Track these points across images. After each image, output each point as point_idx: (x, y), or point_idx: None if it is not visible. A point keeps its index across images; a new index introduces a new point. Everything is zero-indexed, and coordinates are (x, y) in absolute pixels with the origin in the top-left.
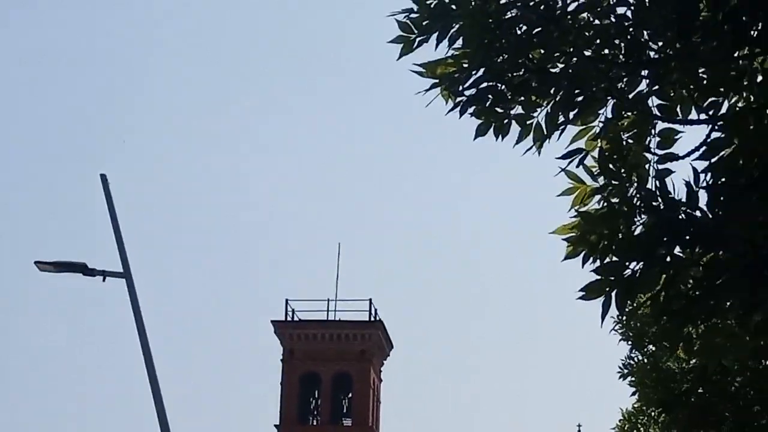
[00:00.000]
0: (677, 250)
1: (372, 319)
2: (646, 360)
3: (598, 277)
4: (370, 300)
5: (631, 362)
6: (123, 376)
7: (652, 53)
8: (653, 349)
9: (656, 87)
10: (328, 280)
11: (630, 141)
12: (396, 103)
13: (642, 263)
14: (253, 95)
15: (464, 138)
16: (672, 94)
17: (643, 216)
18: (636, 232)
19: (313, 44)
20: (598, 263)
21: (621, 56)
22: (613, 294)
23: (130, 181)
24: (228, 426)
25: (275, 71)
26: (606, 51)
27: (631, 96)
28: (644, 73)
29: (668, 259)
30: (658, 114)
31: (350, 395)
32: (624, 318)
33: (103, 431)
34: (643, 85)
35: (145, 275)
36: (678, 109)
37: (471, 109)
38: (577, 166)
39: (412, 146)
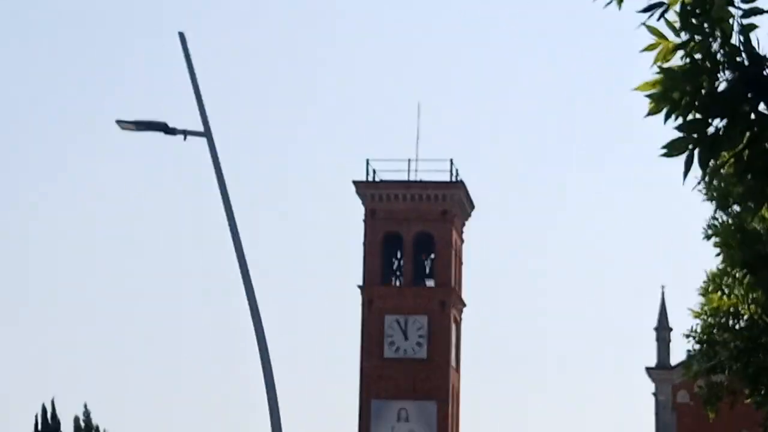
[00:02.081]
0: (762, 106)
1: (453, 179)
2: (730, 221)
3: (681, 134)
4: (451, 160)
5: (716, 223)
6: (204, 236)
7: None
8: (737, 209)
9: None
10: (409, 141)
11: None
12: None
13: (725, 120)
14: None
15: None
16: None
17: (726, 72)
18: (719, 89)
19: None
20: (680, 120)
21: None
22: (696, 151)
23: (210, 40)
24: (312, 286)
25: None
26: None
27: None
28: None
29: (752, 116)
30: None
31: (432, 256)
32: (707, 177)
33: (185, 293)
34: None
35: (225, 135)
36: None
37: None
38: (658, 20)
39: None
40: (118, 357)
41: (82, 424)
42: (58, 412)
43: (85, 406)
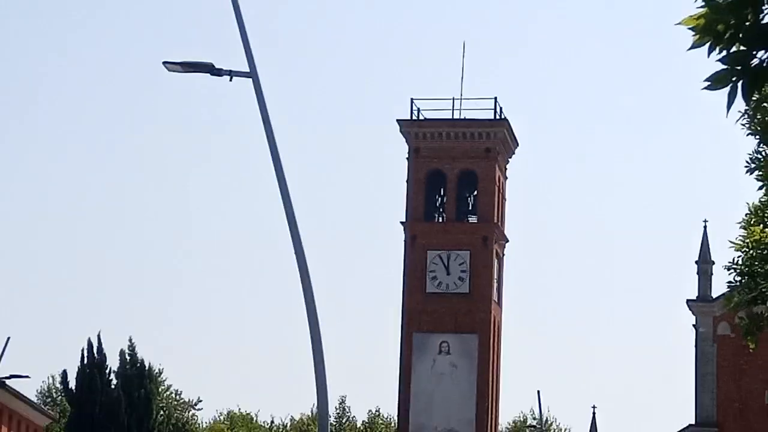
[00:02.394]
0: None
1: (497, 117)
2: None
3: (725, 67)
4: (495, 98)
5: (759, 156)
6: (250, 176)
7: None
8: None
9: None
10: (453, 79)
11: None
12: None
13: None
14: None
15: None
16: None
17: None
18: (764, 21)
19: None
20: (724, 54)
21: None
22: (740, 84)
23: None
24: (356, 222)
25: None
26: None
27: None
28: None
29: None
30: None
31: (475, 193)
32: (750, 110)
33: (231, 232)
34: None
35: (271, 75)
36: None
37: None
38: None
39: None
40: (162, 294)
41: (127, 358)
42: (104, 345)
43: (130, 339)
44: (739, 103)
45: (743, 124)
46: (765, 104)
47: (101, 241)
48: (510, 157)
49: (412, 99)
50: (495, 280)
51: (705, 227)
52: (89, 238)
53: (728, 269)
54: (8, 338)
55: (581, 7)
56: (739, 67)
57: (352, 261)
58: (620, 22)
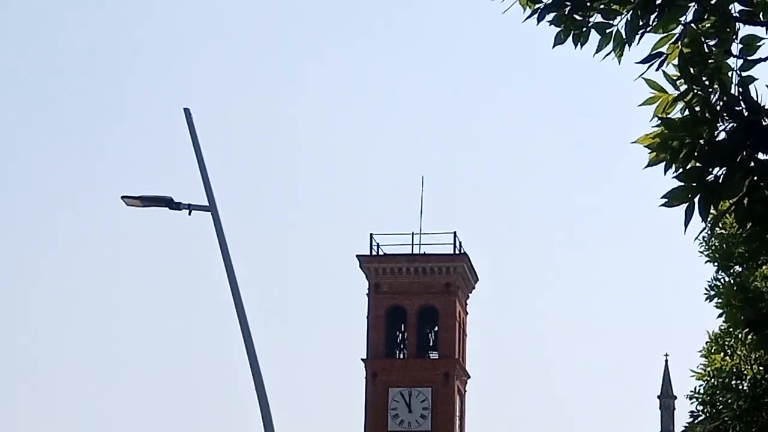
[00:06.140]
0: (761, 155)
1: (457, 252)
2: (732, 281)
3: (681, 184)
4: (455, 233)
5: (718, 284)
6: (209, 310)
7: None
8: (739, 269)
9: None
10: (412, 214)
11: (712, 48)
12: (471, 9)
13: (725, 168)
14: (328, 28)
15: (542, 47)
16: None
17: (725, 121)
18: (719, 138)
19: None
20: (680, 171)
21: None
22: (696, 200)
23: (214, 115)
24: (316, 360)
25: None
26: None
27: (713, 1)
28: None
29: (752, 164)
30: (740, 17)
31: (436, 328)
32: (708, 227)
33: (190, 368)
34: None
35: (230, 209)
36: (761, 15)
37: (549, 17)
38: (657, 70)
39: (489, 60)
40: None
41: None
42: None
43: None
44: (696, 221)
45: (701, 251)
46: (721, 231)
47: (57, 381)
48: (470, 292)
49: (371, 234)
50: (457, 418)
51: (666, 361)
52: (43, 374)
53: (690, 399)
54: None
55: (538, 137)
56: (695, 184)
57: (312, 399)
58: (576, 149)
